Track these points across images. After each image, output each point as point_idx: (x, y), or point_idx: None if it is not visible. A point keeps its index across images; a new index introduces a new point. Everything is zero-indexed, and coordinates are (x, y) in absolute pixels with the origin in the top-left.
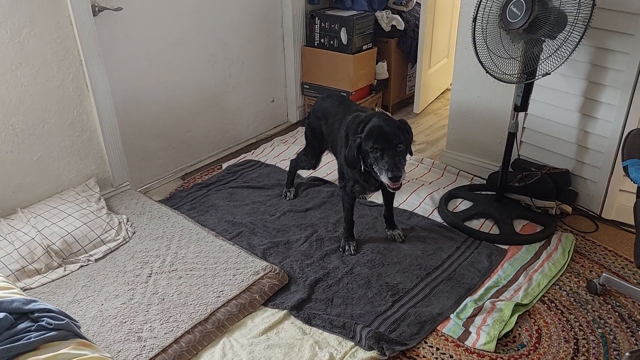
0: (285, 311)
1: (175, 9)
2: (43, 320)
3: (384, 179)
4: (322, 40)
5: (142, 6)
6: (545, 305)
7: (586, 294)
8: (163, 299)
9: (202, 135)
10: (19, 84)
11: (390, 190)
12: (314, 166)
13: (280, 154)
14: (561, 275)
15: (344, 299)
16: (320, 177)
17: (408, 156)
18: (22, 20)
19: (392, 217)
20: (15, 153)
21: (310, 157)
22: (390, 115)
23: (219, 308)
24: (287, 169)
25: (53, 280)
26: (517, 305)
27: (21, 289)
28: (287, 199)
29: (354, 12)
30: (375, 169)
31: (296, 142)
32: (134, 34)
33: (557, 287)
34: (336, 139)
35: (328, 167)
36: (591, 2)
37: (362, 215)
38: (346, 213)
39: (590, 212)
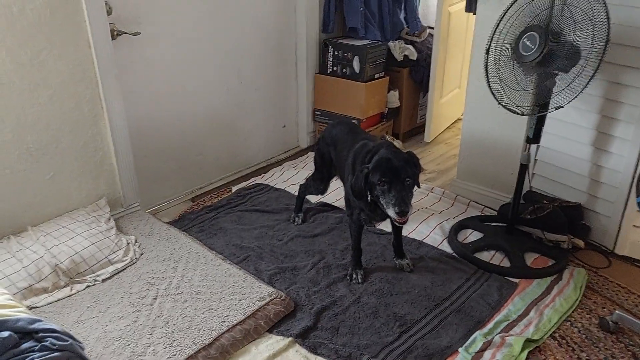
0: (290, 339)
1: (191, 34)
2: (47, 341)
3: (391, 213)
4: (334, 68)
5: (160, 31)
6: (557, 341)
7: (598, 332)
8: (167, 322)
9: (213, 158)
10: (35, 104)
11: (397, 224)
12: (322, 192)
13: (290, 178)
14: (573, 311)
15: (350, 328)
16: (329, 202)
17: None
18: (42, 42)
19: (401, 246)
20: (28, 172)
21: (319, 182)
22: (401, 143)
23: (224, 333)
24: (296, 193)
25: (59, 300)
26: (528, 341)
27: (27, 307)
28: (295, 224)
29: (367, 42)
30: (382, 202)
31: (306, 167)
32: (151, 58)
33: (569, 323)
34: (344, 166)
35: (337, 193)
36: (605, 37)
37: (371, 244)
38: (353, 241)
39: (603, 247)
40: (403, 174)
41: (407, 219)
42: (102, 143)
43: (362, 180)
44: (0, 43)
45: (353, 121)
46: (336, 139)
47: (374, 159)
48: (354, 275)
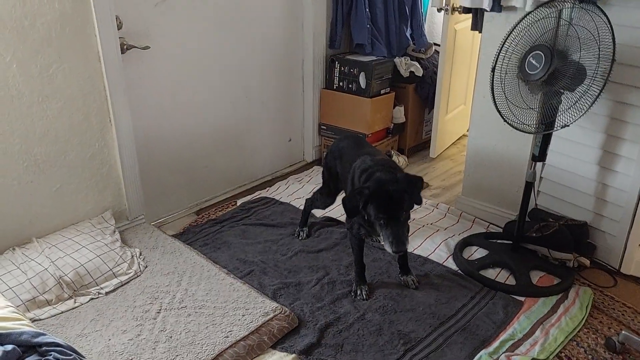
0: (293, 355)
1: (199, 49)
2: (50, 355)
3: (387, 248)
4: (341, 84)
5: (169, 46)
6: None
7: (605, 352)
8: (171, 337)
9: (219, 171)
10: (44, 116)
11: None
12: (328, 205)
13: (295, 192)
14: (579, 331)
15: (354, 345)
16: (334, 217)
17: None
18: (52, 55)
19: (406, 262)
20: (35, 183)
21: (325, 196)
22: (406, 158)
23: (227, 349)
24: (301, 207)
25: (62, 312)
26: None
27: (30, 319)
28: (300, 238)
29: (374, 58)
30: (379, 233)
31: (311, 181)
32: (159, 72)
33: (575, 343)
34: (347, 179)
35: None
36: (610, 57)
37: (376, 259)
38: (355, 255)
39: (609, 267)
40: (400, 210)
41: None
42: (109, 155)
43: (358, 203)
44: (12, 56)
45: (360, 135)
46: (342, 152)
47: (371, 184)
48: (358, 292)
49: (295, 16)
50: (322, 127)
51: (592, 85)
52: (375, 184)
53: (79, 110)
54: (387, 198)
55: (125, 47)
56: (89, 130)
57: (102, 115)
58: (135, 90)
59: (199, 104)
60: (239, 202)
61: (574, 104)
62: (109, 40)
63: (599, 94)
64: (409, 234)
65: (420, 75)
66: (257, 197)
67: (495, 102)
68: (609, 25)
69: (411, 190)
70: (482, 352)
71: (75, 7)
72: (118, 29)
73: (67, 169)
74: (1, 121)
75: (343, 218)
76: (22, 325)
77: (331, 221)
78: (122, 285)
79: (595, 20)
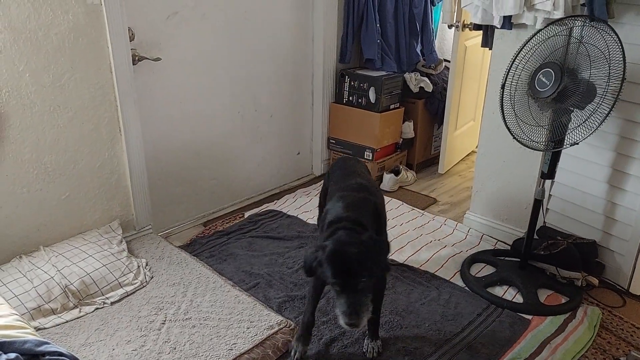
0: None
1: (210, 62)
2: None
3: (340, 320)
4: (350, 98)
5: (180, 58)
6: None
7: None
8: (175, 348)
9: (227, 183)
10: (55, 125)
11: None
12: None
13: (302, 205)
14: (586, 351)
15: None
16: None
17: (429, 216)
18: (65, 65)
19: (376, 327)
20: (44, 191)
21: (319, 220)
22: (414, 174)
23: None
24: (309, 220)
25: (67, 322)
26: None
27: (35, 328)
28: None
29: (384, 73)
30: (334, 299)
31: (319, 195)
32: (169, 83)
33: None
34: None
35: None
36: (621, 75)
37: None
38: (307, 304)
39: (617, 286)
40: (357, 276)
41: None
42: (118, 165)
43: (313, 264)
44: (25, 66)
45: (359, 159)
46: (332, 177)
47: (329, 243)
48: (292, 351)
49: (306, 30)
50: (331, 141)
51: (602, 104)
52: (334, 245)
53: (89, 120)
54: (343, 262)
55: (136, 58)
56: (98, 139)
57: (112, 125)
58: (145, 101)
59: (208, 116)
60: (247, 215)
61: (583, 122)
62: (121, 51)
63: (609, 112)
64: (418, 250)
65: (430, 90)
66: (265, 209)
67: (504, 118)
68: (619, 44)
69: (375, 256)
70: None
71: (89, 19)
72: (130, 41)
73: (77, 178)
74: (13, 129)
75: None
76: (26, 334)
77: None
78: (127, 296)
79: (605, 39)
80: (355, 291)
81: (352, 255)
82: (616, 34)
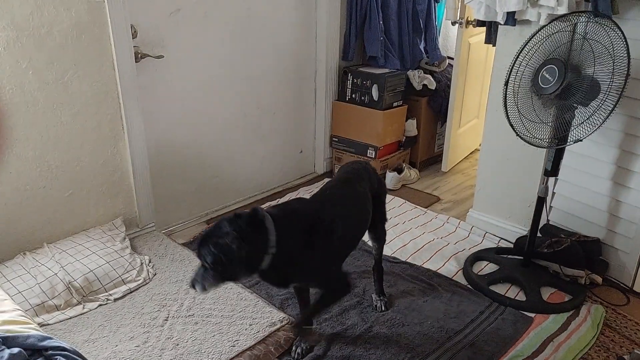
0: None
1: (212, 59)
2: (56, 359)
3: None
4: (353, 96)
5: (182, 56)
6: None
7: None
8: (177, 345)
9: (230, 181)
10: (58, 122)
11: None
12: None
13: None
14: (589, 349)
15: (360, 358)
16: None
17: (432, 214)
18: (68, 63)
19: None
20: (47, 189)
21: None
22: (417, 172)
23: (233, 358)
24: None
25: (71, 318)
26: None
27: (39, 324)
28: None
29: (387, 70)
30: None
31: None
32: (172, 80)
33: None
34: None
35: None
36: (625, 71)
37: (386, 273)
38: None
39: (621, 284)
40: (201, 253)
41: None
42: (121, 163)
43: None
44: (28, 63)
45: (366, 165)
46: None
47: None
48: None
49: (309, 28)
50: (334, 139)
51: (606, 100)
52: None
53: (92, 117)
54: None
55: (139, 55)
56: (101, 137)
57: (115, 123)
58: (147, 98)
59: (211, 113)
60: None
61: (587, 119)
62: (124, 48)
63: (613, 109)
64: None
65: (434, 88)
66: (267, 207)
67: (508, 115)
68: (624, 40)
69: (213, 245)
70: None
71: (91, 16)
72: (133, 38)
73: (80, 175)
74: (16, 127)
75: None
76: (29, 329)
77: None
78: (130, 292)
79: (610, 35)
80: (201, 265)
81: (203, 238)
82: (620, 30)
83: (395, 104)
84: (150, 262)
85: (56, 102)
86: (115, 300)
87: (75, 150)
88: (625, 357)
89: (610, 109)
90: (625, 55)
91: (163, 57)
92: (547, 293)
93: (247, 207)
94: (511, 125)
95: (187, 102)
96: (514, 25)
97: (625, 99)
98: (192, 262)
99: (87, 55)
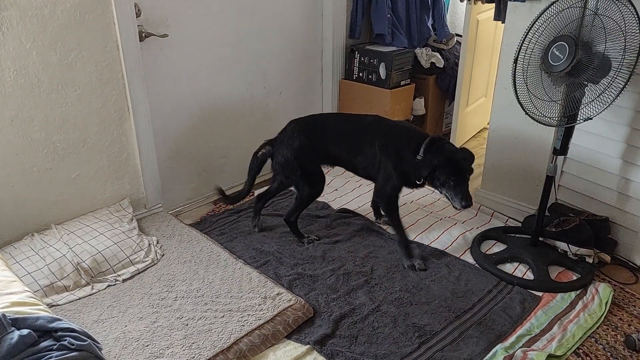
0: (308, 346)
1: (218, 38)
2: (66, 340)
3: (457, 205)
4: (360, 74)
5: (187, 34)
6: (580, 358)
7: (624, 350)
8: (187, 324)
9: (237, 161)
10: (63, 103)
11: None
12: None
13: None
14: (597, 328)
15: (368, 337)
16: (351, 209)
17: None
18: (71, 43)
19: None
20: (54, 170)
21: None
22: None
23: (242, 338)
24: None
25: (80, 298)
26: (550, 357)
27: (48, 305)
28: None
29: (394, 48)
30: (446, 194)
31: (329, 173)
32: (177, 60)
33: (593, 339)
34: (367, 156)
35: (360, 200)
36: (637, 48)
37: (393, 252)
38: (401, 229)
39: (630, 263)
40: (467, 175)
41: None
42: (127, 143)
43: (427, 171)
44: (32, 44)
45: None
46: (330, 129)
47: (441, 154)
48: (417, 265)
49: (315, 5)
50: None
51: (617, 78)
52: (446, 155)
53: (97, 98)
54: (459, 166)
55: (143, 35)
56: (107, 117)
57: (120, 103)
58: (152, 78)
59: (216, 92)
60: (257, 193)
61: (597, 97)
62: (128, 28)
63: (624, 87)
64: (427, 227)
65: (441, 66)
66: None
67: (516, 94)
68: (636, 16)
69: (472, 160)
70: (497, 347)
71: None
72: (137, 17)
73: (86, 157)
74: (21, 109)
75: (361, 210)
76: (38, 311)
77: (348, 213)
78: (139, 273)
79: (622, 10)
80: (466, 184)
81: (463, 162)
82: (633, 5)
83: (402, 83)
84: (158, 242)
85: (61, 82)
86: (124, 281)
87: (81, 131)
88: (634, 335)
89: (621, 86)
90: (638, 31)
91: (168, 36)
92: (555, 272)
93: (255, 188)
94: (520, 104)
95: (193, 82)
96: (524, 1)
97: (636, 76)
98: (199, 243)
99: (90, 35)
